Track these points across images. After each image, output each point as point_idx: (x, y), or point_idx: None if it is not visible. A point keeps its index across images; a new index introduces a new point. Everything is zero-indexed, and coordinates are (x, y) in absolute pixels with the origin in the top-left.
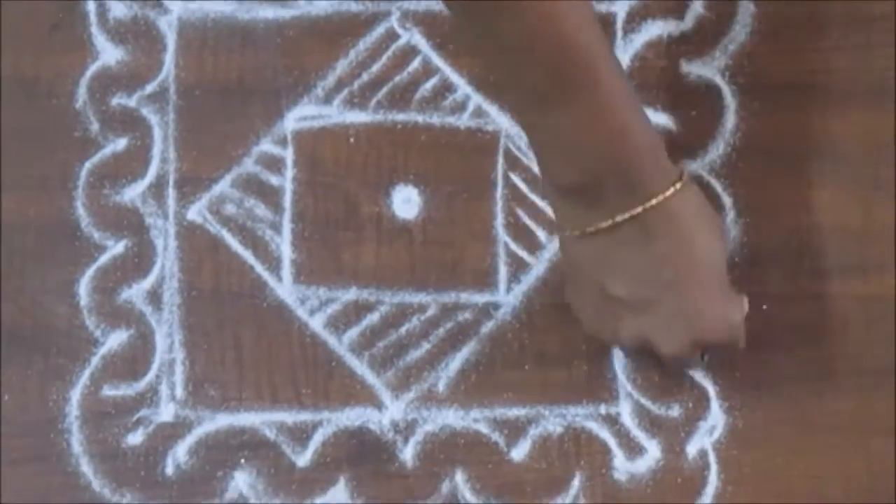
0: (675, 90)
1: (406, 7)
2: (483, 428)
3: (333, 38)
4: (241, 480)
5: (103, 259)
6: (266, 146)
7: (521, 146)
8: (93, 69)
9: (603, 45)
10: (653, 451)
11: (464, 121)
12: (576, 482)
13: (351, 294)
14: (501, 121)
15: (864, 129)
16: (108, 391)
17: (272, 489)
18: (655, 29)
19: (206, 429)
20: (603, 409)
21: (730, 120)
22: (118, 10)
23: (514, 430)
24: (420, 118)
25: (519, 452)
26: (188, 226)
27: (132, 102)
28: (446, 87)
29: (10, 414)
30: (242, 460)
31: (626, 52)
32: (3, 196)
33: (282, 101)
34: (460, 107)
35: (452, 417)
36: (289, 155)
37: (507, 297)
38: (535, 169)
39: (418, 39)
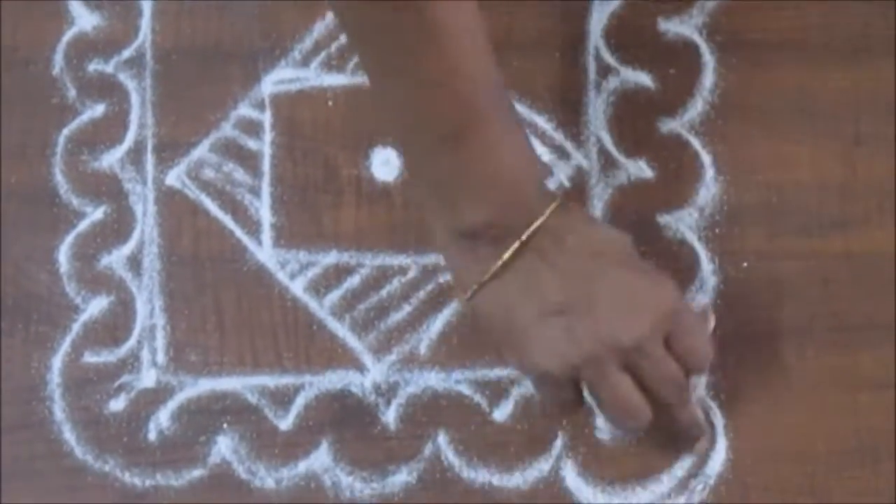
0: (652, 48)
1: None
2: (465, 389)
3: (310, 1)
4: (224, 445)
5: (83, 225)
6: (244, 110)
7: None
8: (69, 35)
9: (501, 86)
10: None
11: None
12: (558, 442)
13: (331, 257)
14: None
15: (843, 85)
16: (90, 358)
17: (255, 453)
18: None
19: (187, 394)
20: None
21: (708, 78)
22: None
23: (497, 390)
24: None
25: (501, 413)
26: (167, 191)
27: (109, 68)
28: None
29: None
30: (225, 425)
31: (602, 10)
32: None
33: (259, 64)
34: None
35: (434, 379)
36: (267, 119)
37: None
38: None
39: None
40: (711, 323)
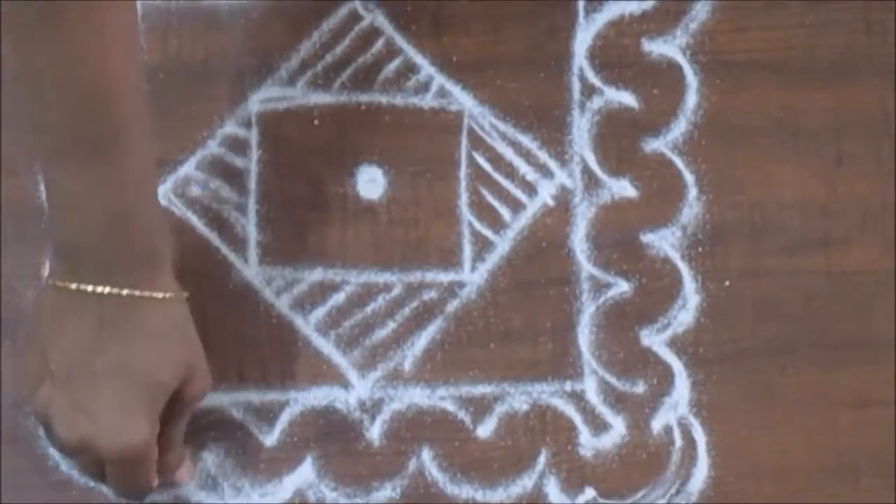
0: (636, 69)
1: None
2: (449, 406)
3: (297, 20)
4: (209, 460)
5: None
6: (231, 128)
7: (484, 126)
8: None
9: (143, 110)
10: (618, 427)
11: (427, 101)
12: (542, 459)
13: (316, 274)
14: (465, 100)
15: (825, 106)
16: None
17: (240, 469)
18: (617, 8)
19: None
20: (568, 386)
21: (691, 98)
22: None
23: (480, 407)
24: (384, 99)
25: (485, 430)
26: None
27: None
28: (409, 68)
29: None
30: (210, 440)
31: (588, 31)
32: None
33: (246, 83)
34: (423, 87)
35: (419, 396)
36: (253, 136)
37: (472, 275)
38: (499, 148)
39: (381, 21)
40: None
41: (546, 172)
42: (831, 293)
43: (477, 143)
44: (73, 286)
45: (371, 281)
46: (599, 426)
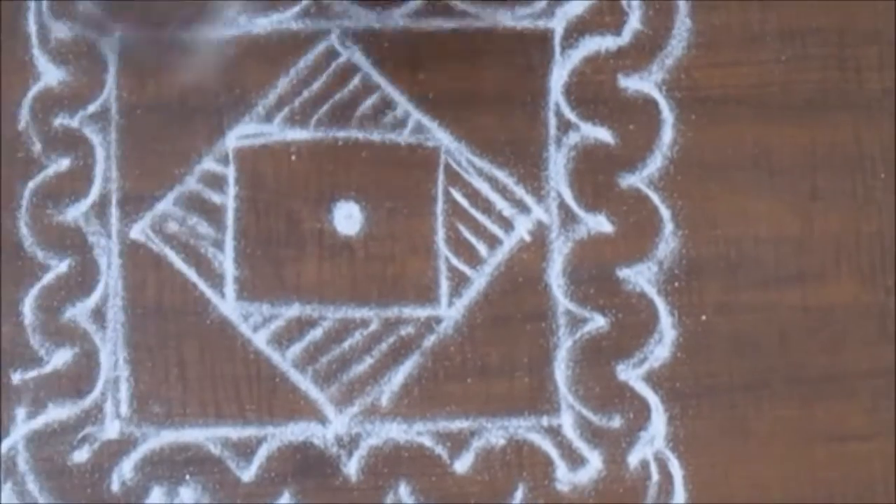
0: (612, 104)
1: (345, 25)
2: (426, 441)
3: (274, 57)
4: (187, 496)
5: (47, 278)
6: (208, 164)
7: (461, 161)
8: (35, 90)
9: None
10: (595, 461)
11: (404, 137)
12: (519, 494)
13: (294, 310)
14: (441, 136)
15: (801, 141)
16: (53, 410)
17: None
18: (593, 44)
19: (150, 445)
20: (545, 421)
21: (667, 133)
22: (60, 31)
23: (457, 442)
24: (361, 135)
25: (462, 465)
26: (131, 244)
27: (74, 122)
28: (386, 104)
29: None
30: (187, 476)
31: (564, 67)
32: None
33: (223, 119)
34: (400, 123)
35: (396, 431)
36: (231, 173)
37: (449, 310)
38: (475, 184)
39: (358, 57)
40: None
41: (522, 208)
42: (807, 328)
43: (454, 178)
44: None
45: (348, 316)
46: (576, 461)
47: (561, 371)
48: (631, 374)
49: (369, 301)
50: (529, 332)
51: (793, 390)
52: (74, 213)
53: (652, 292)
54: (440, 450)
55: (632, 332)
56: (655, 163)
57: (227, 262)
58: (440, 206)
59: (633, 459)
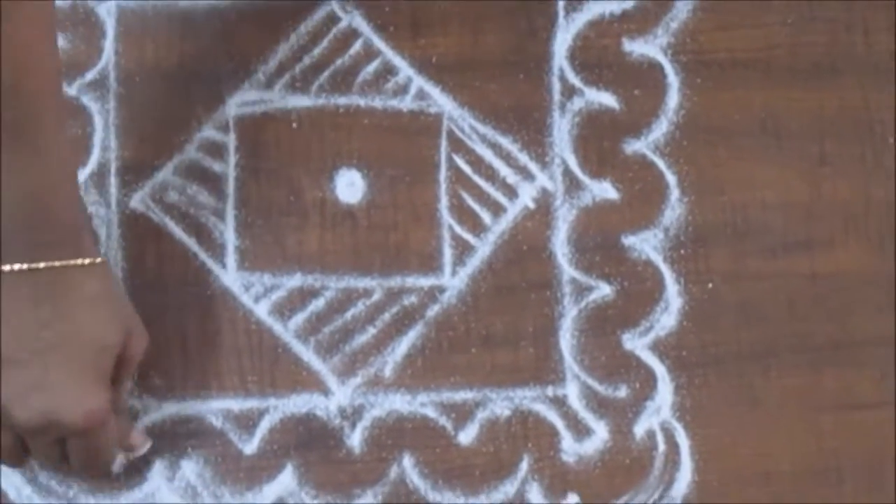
0: (617, 69)
1: None
2: (430, 412)
3: (274, 23)
4: (189, 469)
5: None
6: (208, 132)
7: (464, 128)
8: None
9: (59, 95)
10: (600, 432)
11: (406, 103)
12: (524, 465)
13: (296, 280)
14: (444, 103)
15: (808, 105)
16: None
17: (220, 477)
18: (597, 8)
19: (152, 418)
20: (550, 391)
21: (673, 98)
22: None
23: (462, 413)
24: (362, 102)
25: (466, 436)
26: (131, 214)
27: (72, 91)
28: (388, 70)
29: None
30: (189, 449)
31: (568, 31)
32: None
33: (223, 86)
34: (402, 89)
35: (399, 402)
36: (231, 141)
37: (453, 280)
38: (479, 151)
39: (359, 22)
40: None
41: (527, 175)
42: (815, 296)
43: (457, 145)
44: (6, 268)
45: (351, 286)
46: (582, 431)
47: (566, 341)
48: (637, 344)
49: (372, 270)
50: (534, 301)
51: (800, 359)
52: None
53: (658, 260)
54: (444, 421)
55: (638, 301)
56: (661, 128)
57: (227, 232)
58: (443, 174)
59: (640, 430)
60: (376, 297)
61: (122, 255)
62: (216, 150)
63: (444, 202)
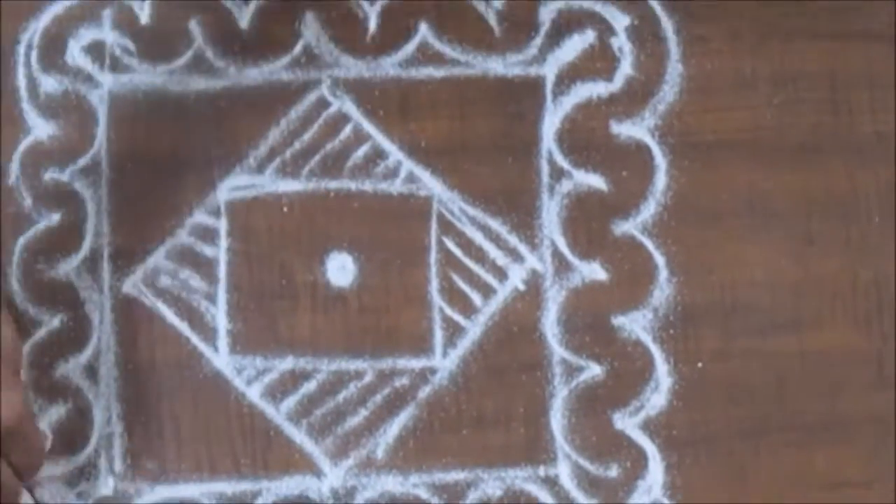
0: (605, 151)
1: (336, 75)
2: (422, 493)
3: (265, 108)
4: None
5: (39, 334)
6: (200, 217)
7: (453, 210)
8: (24, 144)
9: None
10: None
11: (396, 187)
12: None
13: (287, 363)
14: (433, 186)
15: (795, 185)
16: (48, 468)
17: None
18: (585, 91)
19: (145, 501)
20: (542, 471)
21: (661, 179)
22: (49, 85)
23: (454, 493)
24: (353, 185)
25: None
26: (123, 299)
27: (65, 177)
28: (378, 154)
29: None
30: None
31: (556, 114)
32: None
33: (214, 171)
34: (392, 173)
35: (392, 483)
36: (222, 225)
37: (444, 361)
38: (469, 233)
39: (349, 107)
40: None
41: (516, 257)
42: (804, 374)
43: (447, 228)
44: None
45: (342, 368)
46: None
47: (557, 420)
48: (627, 423)
49: (363, 353)
50: (525, 381)
51: (790, 437)
52: (66, 268)
53: (647, 340)
54: (436, 501)
55: (628, 381)
56: (649, 209)
57: (219, 316)
58: (433, 256)
59: None
60: (368, 379)
61: (115, 340)
62: (208, 234)
63: (434, 284)
